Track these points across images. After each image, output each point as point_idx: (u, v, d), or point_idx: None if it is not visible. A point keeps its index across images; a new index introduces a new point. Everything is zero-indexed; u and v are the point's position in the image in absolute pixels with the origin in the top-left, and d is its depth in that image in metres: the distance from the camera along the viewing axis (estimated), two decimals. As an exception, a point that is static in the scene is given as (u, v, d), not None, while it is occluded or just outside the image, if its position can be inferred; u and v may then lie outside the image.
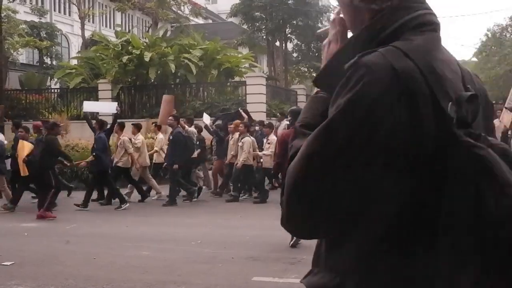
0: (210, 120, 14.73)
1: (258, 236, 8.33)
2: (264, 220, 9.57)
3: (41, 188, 11.14)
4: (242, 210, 11.56)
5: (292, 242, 7.11)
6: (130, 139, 12.58)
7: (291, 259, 6.89)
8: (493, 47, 54.79)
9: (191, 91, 21.82)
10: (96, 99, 21.40)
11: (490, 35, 59.49)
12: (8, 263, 6.94)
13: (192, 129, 13.33)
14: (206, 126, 14.20)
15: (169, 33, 28.70)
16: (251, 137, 12.49)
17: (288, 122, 10.53)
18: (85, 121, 14.26)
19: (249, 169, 12.34)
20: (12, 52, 27.28)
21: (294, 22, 30.37)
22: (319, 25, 31.38)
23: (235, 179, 12.70)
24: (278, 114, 16.96)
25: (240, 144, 12.23)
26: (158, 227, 9.77)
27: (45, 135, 11.22)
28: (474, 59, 70.68)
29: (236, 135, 12.63)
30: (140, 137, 13.00)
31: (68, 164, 12.00)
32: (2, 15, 20.57)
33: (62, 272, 6.50)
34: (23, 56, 31.81)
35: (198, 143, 13.21)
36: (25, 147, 11.39)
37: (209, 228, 9.42)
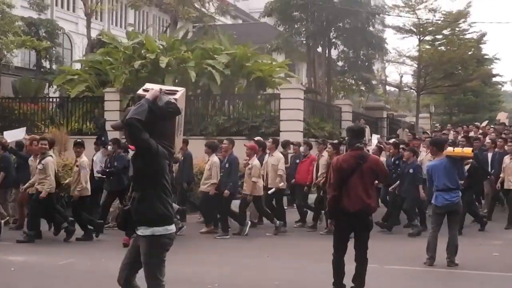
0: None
1: (290, 281, 8.28)
2: (299, 260, 9.52)
3: None
4: (272, 247, 11.50)
5: None
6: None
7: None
8: None
9: (214, 104, 21.89)
10: (102, 110, 21.67)
11: None
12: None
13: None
14: None
15: (190, 34, 28.93)
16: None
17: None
18: (88, 137, 14.58)
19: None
20: (6, 53, 27.55)
21: (341, 24, 30.27)
22: (371, 28, 31.27)
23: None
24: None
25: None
26: (170, 265, 9.75)
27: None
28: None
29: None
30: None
31: None
32: (-4, 10, 21.01)
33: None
34: (18, 58, 32.13)
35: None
36: None
37: (231, 268, 9.42)
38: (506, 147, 14.33)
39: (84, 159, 12.31)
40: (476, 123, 25.65)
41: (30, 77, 30.29)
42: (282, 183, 13.14)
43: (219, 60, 21.94)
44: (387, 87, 48.38)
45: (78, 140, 12.66)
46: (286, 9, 30.27)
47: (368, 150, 11.14)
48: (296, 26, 31.27)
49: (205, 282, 8.35)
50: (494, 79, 48.36)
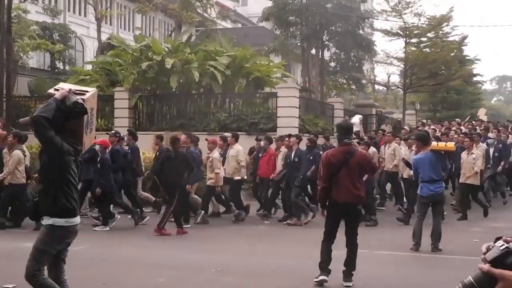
0: None
1: (286, 265, 8.30)
2: (294, 247, 9.55)
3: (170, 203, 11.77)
4: (269, 234, 11.54)
5: None
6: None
7: (351, 285, 6.89)
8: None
9: (216, 102, 21.89)
10: (112, 108, 21.69)
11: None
12: (10, 286, 7.07)
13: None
14: None
15: (193, 38, 28.92)
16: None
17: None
18: (99, 132, 14.54)
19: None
20: (22, 55, 27.60)
21: (333, 28, 30.25)
22: (360, 31, 31.27)
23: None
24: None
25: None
26: (176, 251, 9.80)
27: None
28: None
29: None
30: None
31: None
32: (12, 15, 20.98)
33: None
34: (33, 60, 32.05)
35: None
36: None
37: (231, 255, 9.44)
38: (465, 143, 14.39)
39: None
40: (457, 119, 25.70)
41: (45, 78, 30.28)
42: (241, 175, 13.31)
43: (220, 61, 21.94)
44: (376, 86, 48.40)
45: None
46: (282, 14, 30.26)
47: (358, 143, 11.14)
48: (291, 29, 31.26)
49: (207, 267, 8.37)
50: (474, 78, 48.66)
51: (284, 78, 25.24)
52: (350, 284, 7.03)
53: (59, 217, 4.75)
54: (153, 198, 14.13)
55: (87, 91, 5.25)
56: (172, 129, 19.17)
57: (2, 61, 19.19)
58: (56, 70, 33.09)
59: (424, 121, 30.05)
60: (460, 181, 13.66)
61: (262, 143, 14.20)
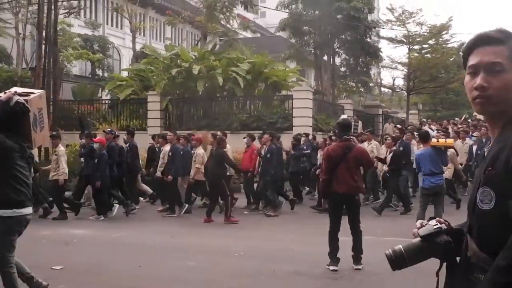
0: None
1: (303, 251, 8.33)
2: (312, 235, 9.55)
3: (212, 197, 12.09)
4: (286, 223, 11.55)
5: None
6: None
7: (334, 275, 6.88)
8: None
9: (238, 104, 21.96)
10: (146, 110, 21.86)
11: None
12: (58, 267, 7.18)
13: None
14: None
15: (217, 46, 28.93)
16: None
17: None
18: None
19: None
20: (66, 64, 27.98)
21: (343, 36, 30.15)
22: (368, 39, 31.14)
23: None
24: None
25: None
26: (204, 238, 9.86)
27: (215, 149, 12.03)
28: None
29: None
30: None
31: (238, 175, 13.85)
32: (58, 28, 21.20)
33: (106, 281, 6.66)
34: (76, 68, 32.54)
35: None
36: None
37: (254, 241, 9.48)
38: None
39: (61, 148, 12.37)
40: (456, 119, 25.47)
41: (86, 84, 30.63)
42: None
43: (241, 67, 21.96)
44: (382, 89, 47.98)
45: (53, 133, 12.54)
46: (297, 24, 30.28)
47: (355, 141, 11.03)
48: (305, 38, 31.22)
49: (232, 251, 8.42)
50: (472, 81, 48.27)
51: (299, 82, 25.16)
52: (360, 267, 7.02)
53: (6, 208, 4.76)
54: (150, 191, 14.33)
55: (33, 93, 5.25)
56: (198, 129, 19.25)
57: (49, 70, 19.43)
58: (96, 77, 33.38)
59: (424, 120, 29.87)
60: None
61: (245, 140, 14.04)
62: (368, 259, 7.32)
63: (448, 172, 12.87)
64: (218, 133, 14.20)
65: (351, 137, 8.60)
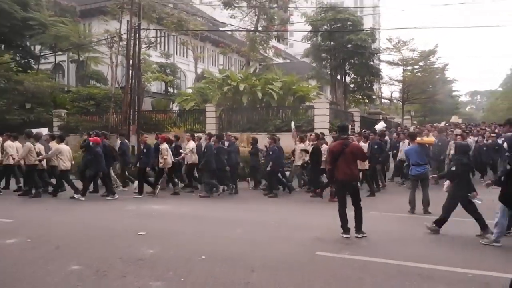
0: None
1: (323, 223, 8.28)
2: (327, 211, 9.49)
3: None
4: (307, 203, 11.50)
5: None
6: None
7: (346, 241, 6.82)
8: (515, 79, 51.84)
9: (273, 112, 21.88)
10: (205, 117, 22.06)
11: (513, 70, 56.16)
12: (143, 233, 7.35)
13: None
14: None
15: (257, 70, 29.02)
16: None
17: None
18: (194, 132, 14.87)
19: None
20: (147, 84, 28.47)
21: (352, 60, 29.78)
22: (371, 63, 30.78)
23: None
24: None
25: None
26: (250, 213, 9.91)
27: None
28: (500, 89, 66.85)
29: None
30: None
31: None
32: (141, 58, 21.59)
33: (178, 242, 6.75)
34: (154, 86, 32.95)
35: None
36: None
37: (286, 215, 9.47)
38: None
39: (55, 145, 12.60)
40: (436, 124, 24.70)
41: (161, 98, 31.12)
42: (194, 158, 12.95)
43: (275, 85, 21.98)
44: (382, 100, 47.12)
45: (52, 133, 13.22)
46: (317, 52, 30.14)
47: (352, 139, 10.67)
48: (323, 63, 30.97)
49: (268, 223, 8.43)
50: (453, 93, 47.31)
51: (319, 96, 24.98)
52: (360, 235, 6.93)
53: None
54: (134, 180, 13.55)
55: None
56: (243, 131, 19.35)
57: (134, 88, 19.80)
58: (168, 93, 33.79)
59: (406, 125, 29.37)
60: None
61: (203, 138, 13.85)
62: (371, 230, 7.23)
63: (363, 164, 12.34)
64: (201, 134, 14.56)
65: (350, 136, 8.67)
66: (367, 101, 34.88)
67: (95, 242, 6.74)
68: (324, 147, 12.12)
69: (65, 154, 12.23)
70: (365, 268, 5.32)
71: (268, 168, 12.41)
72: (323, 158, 11.72)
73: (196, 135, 14.15)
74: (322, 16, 29.31)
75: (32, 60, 29.63)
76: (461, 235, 7.29)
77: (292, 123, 16.43)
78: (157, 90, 34.38)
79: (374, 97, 36.55)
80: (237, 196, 12.53)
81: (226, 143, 13.58)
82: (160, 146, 12.78)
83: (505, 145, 7.14)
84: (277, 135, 14.08)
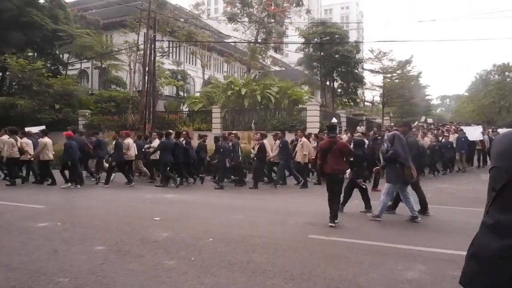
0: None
1: (315, 210, 8.28)
2: (318, 198, 9.50)
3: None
4: (304, 192, 11.49)
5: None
6: None
7: (334, 225, 6.82)
8: (480, 85, 51.91)
9: (270, 113, 21.86)
10: (211, 118, 22.03)
11: (478, 77, 56.22)
12: (158, 219, 7.35)
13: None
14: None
15: (257, 76, 29.04)
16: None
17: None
18: (203, 132, 14.81)
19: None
20: (160, 88, 28.44)
21: (339, 69, 29.70)
22: (356, 71, 30.77)
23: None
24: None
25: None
26: (249, 201, 9.90)
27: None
28: (466, 93, 66.80)
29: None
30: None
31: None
32: (155, 65, 21.60)
33: (189, 226, 6.74)
34: (166, 90, 32.95)
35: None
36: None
37: (282, 203, 9.46)
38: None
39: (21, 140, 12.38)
40: (415, 123, 24.70)
41: (173, 101, 31.04)
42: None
43: (273, 90, 21.99)
44: (365, 103, 47.07)
45: (11, 128, 12.72)
46: (309, 61, 30.09)
47: (341, 138, 10.64)
48: (314, 70, 30.91)
49: (268, 209, 8.43)
50: (427, 97, 47.32)
51: (310, 99, 24.93)
52: (333, 224, 6.71)
53: None
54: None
55: None
56: (245, 130, 19.32)
57: (149, 92, 19.83)
58: (179, 96, 33.71)
59: (392, 125, 29.36)
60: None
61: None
62: (358, 215, 7.22)
63: (301, 158, 12.19)
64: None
65: (338, 134, 8.66)
66: (352, 104, 34.83)
67: (117, 226, 6.74)
68: (304, 141, 12.32)
69: (49, 146, 12.22)
70: (351, 248, 5.33)
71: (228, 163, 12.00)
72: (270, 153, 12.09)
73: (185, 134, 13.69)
74: (313, 30, 29.23)
75: (61, 67, 29.62)
76: (437, 220, 7.30)
77: (253, 122, 16.39)
78: (169, 94, 34.35)
79: (358, 100, 36.51)
80: (243, 187, 12.52)
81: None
82: (124, 141, 12.63)
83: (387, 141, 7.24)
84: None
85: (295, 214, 7.85)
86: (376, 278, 4.21)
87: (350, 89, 31.38)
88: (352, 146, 8.64)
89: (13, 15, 25.41)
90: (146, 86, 20.05)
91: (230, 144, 12.36)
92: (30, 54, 28.64)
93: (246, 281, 4.09)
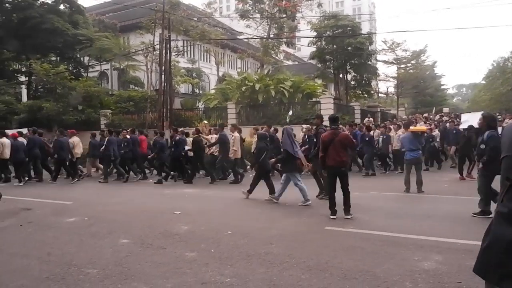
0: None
1: (326, 202, 8.25)
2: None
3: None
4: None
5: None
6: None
7: (350, 217, 6.82)
8: (497, 73, 50.39)
9: (284, 107, 21.77)
10: (226, 114, 22.11)
11: (495, 64, 54.80)
12: (178, 212, 7.47)
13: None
14: None
15: (270, 71, 28.93)
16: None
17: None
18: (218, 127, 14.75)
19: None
20: (176, 86, 28.66)
21: (352, 61, 29.36)
22: (369, 62, 30.35)
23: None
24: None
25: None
26: (263, 194, 9.96)
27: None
28: (483, 81, 65.20)
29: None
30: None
31: None
32: (171, 64, 21.78)
33: (207, 220, 6.81)
34: (182, 88, 33.21)
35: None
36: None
37: (297, 197, 9.46)
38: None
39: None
40: (425, 114, 24.32)
41: (189, 98, 31.25)
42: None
43: (286, 84, 21.86)
44: (380, 94, 46.43)
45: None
46: (322, 55, 29.69)
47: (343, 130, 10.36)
48: (327, 63, 30.57)
49: (283, 201, 8.44)
50: (442, 87, 46.27)
51: (324, 92, 24.73)
52: (349, 216, 6.64)
53: None
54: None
55: None
56: (260, 125, 19.25)
57: (166, 90, 20.02)
58: (194, 93, 33.91)
59: (410, 116, 28.89)
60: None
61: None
62: (372, 207, 7.20)
63: (233, 154, 12.08)
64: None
65: (340, 126, 8.63)
66: (366, 96, 34.47)
67: (140, 220, 6.89)
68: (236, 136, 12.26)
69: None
70: (367, 239, 5.33)
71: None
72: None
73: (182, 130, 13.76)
74: (325, 24, 28.96)
75: (82, 69, 30.22)
76: (452, 210, 7.22)
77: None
78: (185, 91, 34.57)
79: (372, 92, 36.10)
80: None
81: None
82: (69, 140, 13.23)
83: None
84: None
85: (312, 205, 7.85)
86: (392, 268, 4.21)
87: (363, 81, 31.03)
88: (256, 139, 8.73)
89: (35, 22, 26.06)
90: (162, 85, 20.26)
91: (165, 140, 12.72)
92: (53, 58, 29.37)
93: (264, 272, 4.15)
